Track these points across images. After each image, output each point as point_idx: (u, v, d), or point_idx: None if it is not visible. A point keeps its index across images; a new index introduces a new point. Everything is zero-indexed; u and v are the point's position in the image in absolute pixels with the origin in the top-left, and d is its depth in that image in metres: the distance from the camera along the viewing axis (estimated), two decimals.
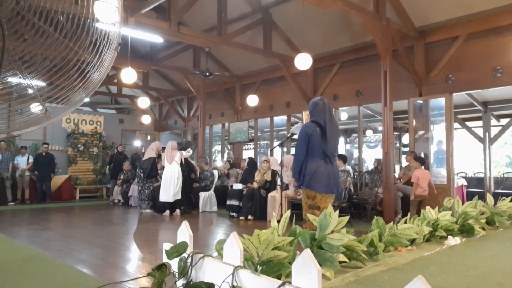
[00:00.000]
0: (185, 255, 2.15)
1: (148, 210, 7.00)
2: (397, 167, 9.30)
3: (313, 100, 3.16)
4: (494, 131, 7.79)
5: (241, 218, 6.03)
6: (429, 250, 3.02)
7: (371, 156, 10.77)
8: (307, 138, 2.98)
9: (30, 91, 1.74)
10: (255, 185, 6.21)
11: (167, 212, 6.61)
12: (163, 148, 7.13)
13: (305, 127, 3.06)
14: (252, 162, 7.36)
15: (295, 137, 3.47)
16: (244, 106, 9.18)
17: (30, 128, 2.03)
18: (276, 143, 9.64)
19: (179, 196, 6.63)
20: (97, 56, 1.64)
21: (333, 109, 3.21)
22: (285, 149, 8.67)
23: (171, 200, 6.54)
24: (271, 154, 8.28)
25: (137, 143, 11.22)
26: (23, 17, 1.53)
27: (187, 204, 7.22)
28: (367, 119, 9.76)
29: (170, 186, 6.50)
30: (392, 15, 5.65)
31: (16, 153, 8.82)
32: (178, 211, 6.70)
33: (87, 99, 2.16)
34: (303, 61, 5.69)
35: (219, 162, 9.43)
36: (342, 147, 11.03)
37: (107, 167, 9.75)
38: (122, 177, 8.70)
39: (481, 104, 7.59)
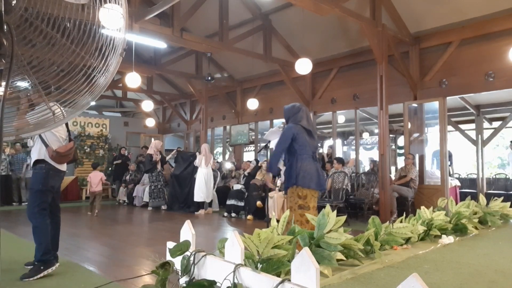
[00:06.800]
0: (187, 253, 2.21)
1: (149, 208, 7.44)
2: (393, 168, 9.42)
3: (292, 106, 3.17)
4: (486, 133, 7.91)
5: (249, 217, 6.07)
6: (424, 249, 3.10)
7: (367, 157, 10.88)
8: (291, 139, 3.04)
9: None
10: (257, 181, 6.37)
11: (202, 211, 6.83)
12: (173, 150, 7.51)
13: (292, 127, 3.08)
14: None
15: (273, 140, 3.51)
16: (244, 109, 9.28)
17: (38, 131, 2.09)
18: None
19: (212, 197, 7.03)
20: (102, 61, 1.71)
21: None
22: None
23: (208, 200, 6.87)
24: (257, 157, 8.50)
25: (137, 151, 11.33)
26: (31, 24, 1.59)
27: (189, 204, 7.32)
28: (363, 122, 9.88)
29: (208, 187, 6.83)
30: (387, 22, 5.77)
31: (28, 155, 8.94)
32: (202, 211, 6.85)
33: (93, 103, 2.24)
34: (303, 66, 5.78)
35: (228, 164, 9.59)
36: (340, 149, 11.14)
37: (112, 166, 10.02)
38: (127, 177, 8.84)
39: (474, 108, 7.72)
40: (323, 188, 3.15)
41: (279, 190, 5.91)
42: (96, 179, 6.91)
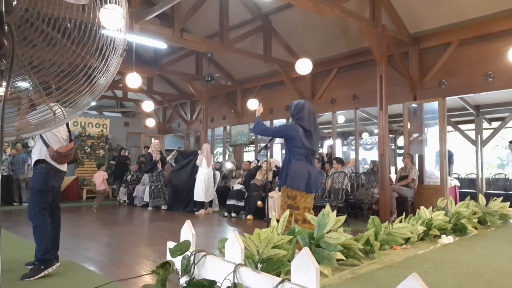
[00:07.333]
0: (188, 253, 2.22)
1: (149, 208, 7.53)
2: (392, 169, 9.44)
3: (297, 104, 3.17)
4: (485, 133, 7.92)
5: (249, 217, 6.08)
6: (423, 249, 3.10)
7: (367, 157, 10.90)
8: (286, 136, 3.07)
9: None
10: (257, 181, 6.39)
11: (202, 211, 6.90)
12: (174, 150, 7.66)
13: (293, 128, 3.06)
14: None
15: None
16: (244, 109, 9.29)
17: (39, 131, 2.09)
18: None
19: (212, 197, 7.14)
20: (103, 62, 1.72)
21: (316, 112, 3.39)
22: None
23: (207, 200, 6.94)
24: (257, 157, 8.56)
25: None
26: (32, 24, 1.60)
27: (188, 204, 7.33)
28: (363, 122, 9.89)
29: (208, 187, 6.89)
30: (387, 22, 5.78)
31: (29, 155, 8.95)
32: (202, 211, 6.89)
33: (93, 103, 2.25)
34: (303, 66, 5.79)
35: (229, 164, 9.63)
36: (339, 149, 11.16)
37: (112, 166, 10.12)
38: (129, 178, 8.88)
39: (473, 108, 7.74)
40: (313, 191, 3.10)
41: (279, 190, 5.91)
42: (99, 179, 7.36)
